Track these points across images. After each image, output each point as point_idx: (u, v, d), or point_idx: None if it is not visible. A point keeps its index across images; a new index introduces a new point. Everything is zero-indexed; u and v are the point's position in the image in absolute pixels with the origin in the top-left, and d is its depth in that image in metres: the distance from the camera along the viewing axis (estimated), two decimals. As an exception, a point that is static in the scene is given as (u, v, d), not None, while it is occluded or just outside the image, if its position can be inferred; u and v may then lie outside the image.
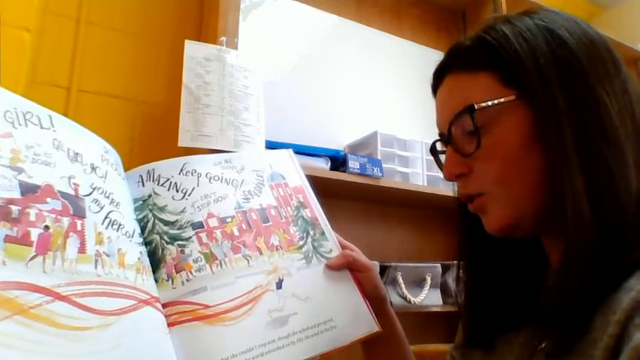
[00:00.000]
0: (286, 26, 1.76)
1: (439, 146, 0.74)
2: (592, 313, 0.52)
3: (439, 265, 1.69)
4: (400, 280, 1.57)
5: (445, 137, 0.66)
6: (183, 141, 1.22)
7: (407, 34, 2.08)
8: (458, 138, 0.64)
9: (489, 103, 0.59)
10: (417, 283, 1.64)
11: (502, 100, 0.59)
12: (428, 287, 1.63)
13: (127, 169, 0.76)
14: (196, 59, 1.28)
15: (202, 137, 1.23)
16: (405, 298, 1.57)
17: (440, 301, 1.67)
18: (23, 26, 1.24)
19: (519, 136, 0.59)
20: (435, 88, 0.70)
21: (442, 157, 0.71)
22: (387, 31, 2.02)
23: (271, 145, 1.35)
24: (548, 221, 0.60)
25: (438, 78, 0.69)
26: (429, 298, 1.62)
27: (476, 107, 0.60)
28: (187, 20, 1.60)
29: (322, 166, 1.51)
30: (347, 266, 0.84)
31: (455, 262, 1.72)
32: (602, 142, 0.55)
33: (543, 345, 0.58)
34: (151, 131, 1.47)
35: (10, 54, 1.18)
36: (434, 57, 0.71)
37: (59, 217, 0.54)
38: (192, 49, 1.29)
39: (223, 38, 1.35)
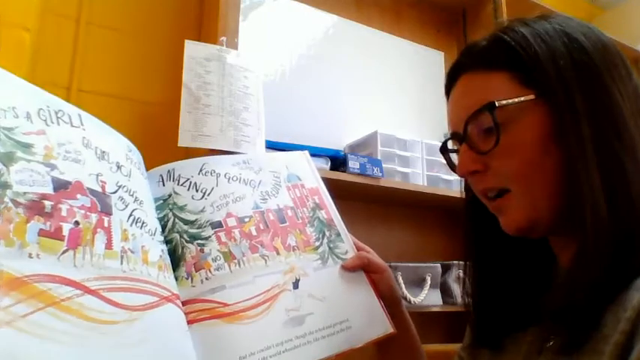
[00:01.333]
0: (286, 26, 1.76)
1: (450, 145, 0.74)
2: (601, 311, 0.53)
3: (439, 265, 1.70)
4: (400, 280, 1.58)
5: (460, 135, 0.66)
6: (183, 141, 1.21)
7: (406, 35, 2.08)
8: (474, 136, 0.64)
9: (509, 101, 0.60)
10: (417, 283, 1.64)
11: (522, 99, 0.60)
12: (428, 287, 1.63)
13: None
14: (196, 59, 1.27)
15: (202, 137, 1.23)
16: (405, 298, 1.57)
17: (440, 301, 1.68)
18: (23, 26, 1.23)
19: (537, 135, 0.59)
20: (448, 88, 0.71)
21: (452, 156, 0.72)
22: (387, 31, 2.02)
23: (271, 145, 1.35)
24: (562, 222, 0.61)
25: (452, 78, 0.69)
26: (428, 298, 1.63)
27: (497, 105, 0.60)
28: (187, 20, 1.59)
29: (322, 166, 1.51)
30: (362, 267, 0.85)
31: (455, 262, 1.73)
32: (616, 141, 0.56)
33: (551, 343, 0.59)
34: (150, 131, 1.46)
35: (10, 54, 1.17)
36: (434, 57, 0.72)
37: (88, 213, 0.55)
38: (192, 49, 1.28)
39: (223, 38, 1.34)
